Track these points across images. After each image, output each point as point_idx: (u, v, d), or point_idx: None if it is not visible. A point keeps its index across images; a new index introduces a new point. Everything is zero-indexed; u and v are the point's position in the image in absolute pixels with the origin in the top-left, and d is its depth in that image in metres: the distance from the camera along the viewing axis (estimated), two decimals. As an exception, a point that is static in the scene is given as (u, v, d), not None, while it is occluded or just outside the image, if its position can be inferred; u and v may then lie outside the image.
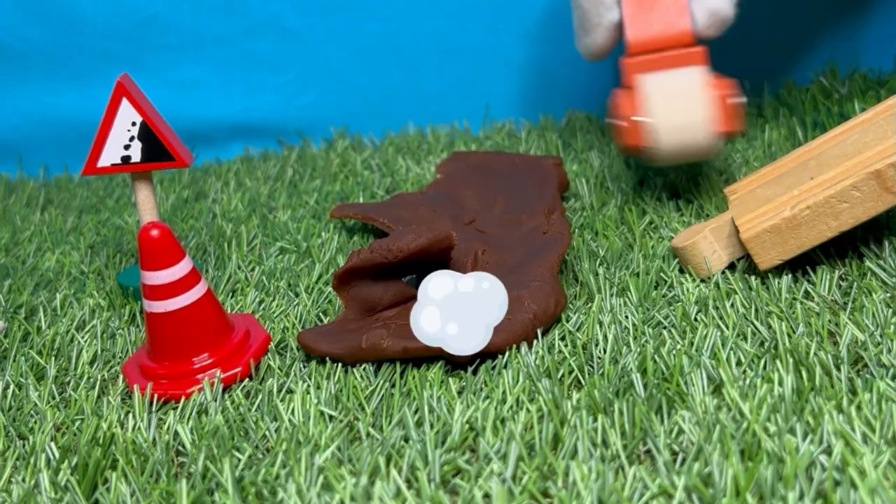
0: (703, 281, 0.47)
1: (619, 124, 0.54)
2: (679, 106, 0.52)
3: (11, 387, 0.45)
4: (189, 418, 0.41)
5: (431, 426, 0.37)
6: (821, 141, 0.49)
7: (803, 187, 0.45)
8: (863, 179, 0.43)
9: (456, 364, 0.43)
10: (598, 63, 0.83)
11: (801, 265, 0.46)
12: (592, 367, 0.41)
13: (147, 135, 0.51)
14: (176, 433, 0.40)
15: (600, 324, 0.44)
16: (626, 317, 0.45)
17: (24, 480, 0.37)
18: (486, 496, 0.33)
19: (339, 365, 0.43)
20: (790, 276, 0.45)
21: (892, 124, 0.46)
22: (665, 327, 0.44)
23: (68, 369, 0.47)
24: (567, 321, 0.45)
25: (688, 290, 0.46)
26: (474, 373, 0.42)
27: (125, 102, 0.50)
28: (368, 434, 0.38)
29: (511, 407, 0.38)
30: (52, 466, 0.38)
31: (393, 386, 0.42)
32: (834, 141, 0.48)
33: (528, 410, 0.38)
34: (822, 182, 0.45)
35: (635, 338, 0.43)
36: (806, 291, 0.45)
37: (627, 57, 0.56)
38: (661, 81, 0.54)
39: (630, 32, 0.57)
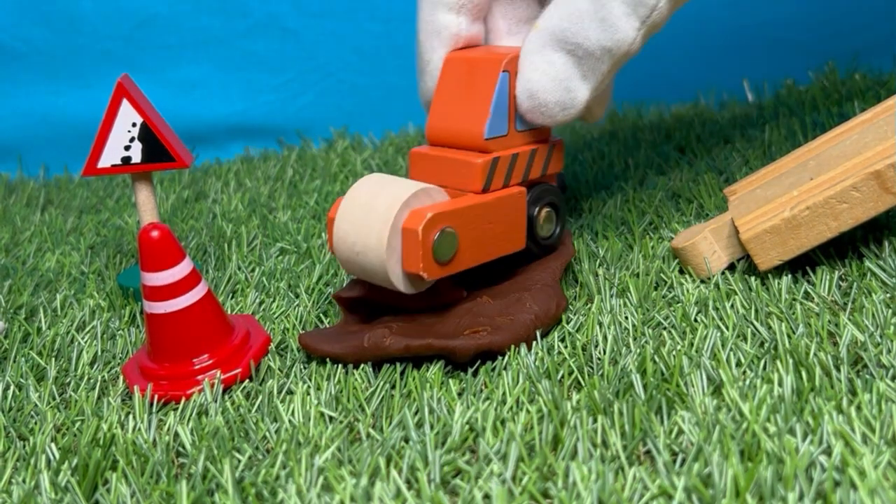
0: (702, 282, 0.47)
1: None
2: (360, 221, 0.43)
3: (12, 388, 0.45)
4: (189, 419, 0.41)
5: (431, 427, 0.38)
6: (820, 141, 0.49)
7: (803, 188, 0.45)
8: (862, 180, 0.43)
9: (456, 365, 0.43)
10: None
11: (800, 266, 0.46)
12: (592, 368, 0.41)
13: (147, 135, 0.51)
14: (176, 434, 0.40)
15: (600, 325, 0.44)
16: (626, 318, 0.45)
17: (24, 481, 0.37)
18: (486, 497, 0.33)
19: (340, 366, 0.43)
20: (790, 276, 0.45)
21: (891, 125, 0.46)
22: (665, 328, 0.44)
23: (68, 370, 0.47)
24: (567, 322, 0.45)
25: (688, 290, 0.46)
26: (474, 374, 0.42)
27: (125, 103, 0.50)
28: (368, 435, 0.38)
29: (511, 408, 0.38)
30: (53, 467, 0.38)
31: (393, 387, 0.42)
32: (834, 141, 0.48)
33: (528, 411, 0.38)
34: (822, 183, 0.45)
35: (635, 338, 0.43)
36: (806, 292, 0.45)
37: (421, 146, 0.48)
38: (372, 184, 0.44)
39: (430, 112, 0.48)
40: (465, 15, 0.47)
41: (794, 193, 0.45)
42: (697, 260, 0.47)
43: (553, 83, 0.44)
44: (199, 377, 0.43)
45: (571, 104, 0.45)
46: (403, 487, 0.34)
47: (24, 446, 0.40)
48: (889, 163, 0.43)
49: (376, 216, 0.42)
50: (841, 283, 0.45)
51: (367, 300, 0.46)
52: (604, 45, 0.43)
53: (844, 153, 0.46)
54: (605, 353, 0.42)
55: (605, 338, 0.43)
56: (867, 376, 0.37)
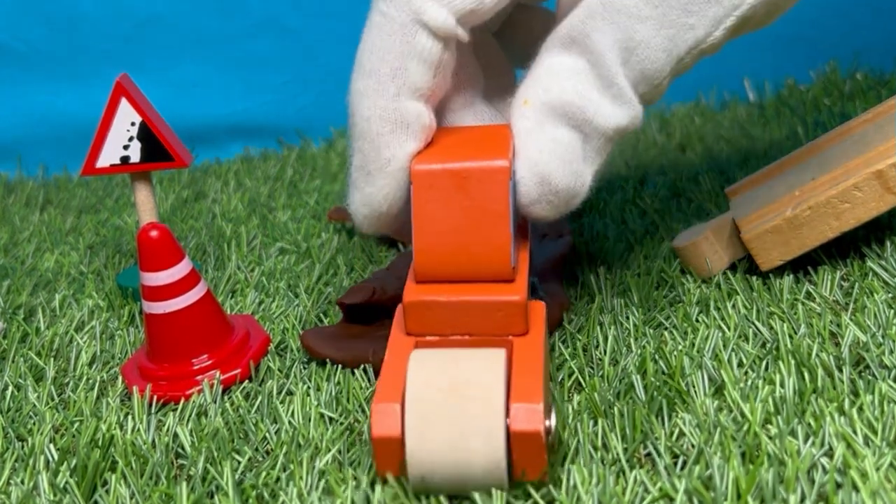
0: (704, 281, 0.47)
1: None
2: (446, 443, 0.32)
3: (10, 388, 0.45)
4: (188, 420, 0.41)
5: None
6: (821, 140, 0.49)
7: (804, 187, 0.45)
8: (865, 179, 0.43)
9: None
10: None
11: (802, 265, 0.46)
12: (593, 369, 0.41)
13: (146, 135, 0.51)
14: (175, 435, 0.40)
15: (601, 325, 0.44)
16: (627, 318, 0.44)
17: (22, 482, 0.37)
18: (487, 498, 0.33)
19: (340, 367, 0.43)
20: (792, 276, 0.45)
21: (892, 124, 0.45)
22: (666, 328, 0.44)
23: (67, 370, 0.47)
24: (568, 323, 0.45)
25: (689, 290, 0.46)
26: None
27: (124, 102, 0.50)
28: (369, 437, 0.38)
29: (511, 409, 0.38)
30: (51, 468, 0.38)
31: (393, 387, 0.42)
32: (835, 140, 0.48)
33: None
34: (824, 182, 0.45)
35: (636, 339, 0.43)
36: (808, 292, 0.44)
37: (411, 285, 0.36)
38: (434, 372, 0.33)
39: (418, 243, 0.36)
40: (432, 102, 0.37)
41: (795, 193, 0.45)
42: (699, 260, 0.47)
43: (563, 164, 0.36)
44: (199, 378, 0.43)
45: (577, 192, 0.37)
46: (404, 489, 0.34)
47: (23, 447, 0.40)
48: (891, 162, 0.42)
49: (473, 435, 0.32)
50: (843, 283, 0.45)
51: (370, 306, 0.46)
52: (619, 124, 0.37)
53: (846, 152, 0.46)
54: (605, 353, 0.42)
55: (605, 338, 0.43)
56: (869, 377, 0.37)
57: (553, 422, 0.33)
